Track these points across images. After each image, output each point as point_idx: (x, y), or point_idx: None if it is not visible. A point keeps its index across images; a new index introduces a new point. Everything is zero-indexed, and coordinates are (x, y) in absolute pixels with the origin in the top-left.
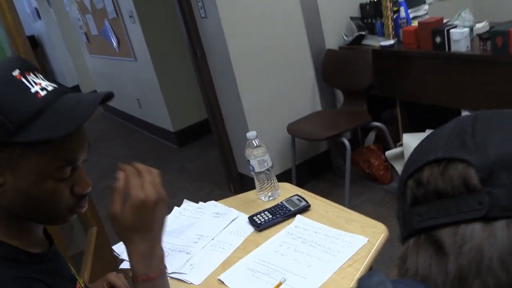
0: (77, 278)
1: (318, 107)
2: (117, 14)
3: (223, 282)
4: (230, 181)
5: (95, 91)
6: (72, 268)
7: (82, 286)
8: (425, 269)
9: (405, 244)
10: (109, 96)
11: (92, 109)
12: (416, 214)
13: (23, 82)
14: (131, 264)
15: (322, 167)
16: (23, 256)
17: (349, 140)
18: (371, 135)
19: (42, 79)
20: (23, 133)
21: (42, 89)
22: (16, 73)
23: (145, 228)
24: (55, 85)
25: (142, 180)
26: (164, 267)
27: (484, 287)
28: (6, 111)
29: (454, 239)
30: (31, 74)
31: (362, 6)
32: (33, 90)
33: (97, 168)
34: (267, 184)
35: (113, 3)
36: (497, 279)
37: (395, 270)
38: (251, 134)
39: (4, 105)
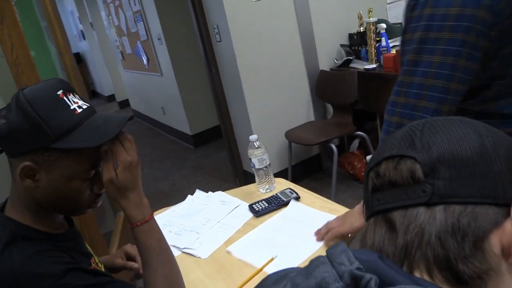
0: (93, 255)
1: (312, 118)
2: (147, 37)
3: (229, 253)
4: (236, 176)
5: (127, 100)
6: (88, 247)
7: (97, 261)
8: (380, 242)
9: (367, 222)
10: (131, 118)
11: (118, 129)
12: (375, 199)
13: (65, 100)
14: (129, 216)
15: (314, 168)
16: (45, 236)
17: (336, 146)
18: (355, 142)
19: (79, 99)
20: (61, 142)
21: (79, 107)
22: (59, 92)
23: (134, 184)
24: (88, 105)
25: (125, 147)
26: (151, 211)
27: (424, 257)
28: (50, 122)
29: (403, 219)
30: (71, 94)
31: (350, 35)
32: (72, 107)
33: None
34: (265, 178)
35: (145, 28)
36: (434, 251)
37: (358, 243)
38: (253, 137)
39: (49, 117)
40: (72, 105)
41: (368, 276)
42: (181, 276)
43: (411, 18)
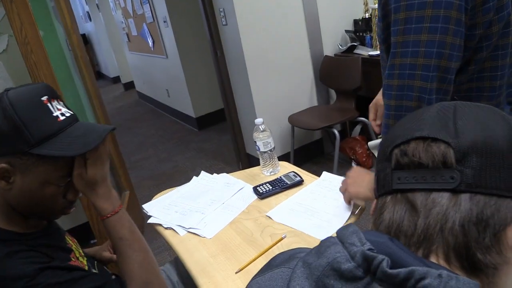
0: (73, 249)
1: (315, 103)
2: (153, 19)
3: (270, 217)
4: (239, 160)
5: (133, 82)
6: (69, 241)
7: (77, 255)
8: (400, 220)
9: (381, 199)
10: (113, 130)
11: (99, 140)
12: (396, 177)
13: (48, 106)
14: (99, 209)
15: (316, 152)
16: (17, 236)
17: (339, 131)
18: (357, 128)
19: (63, 106)
20: (40, 148)
21: (62, 114)
22: (44, 98)
23: (102, 177)
24: (72, 112)
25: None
26: (120, 202)
27: (444, 242)
28: (31, 127)
29: (426, 202)
30: (55, 101)
31: (355, 22)
32: (54, 114)
33: (130, 144)
34: (269, 162)
35: (151, 10)
36: (456, 239)
37: (371, 224)
38: (258, 120)
39: (31, 122)
40: (55, 112)
41: (380, 257)
42: (156, 263)
43: (408, 19)
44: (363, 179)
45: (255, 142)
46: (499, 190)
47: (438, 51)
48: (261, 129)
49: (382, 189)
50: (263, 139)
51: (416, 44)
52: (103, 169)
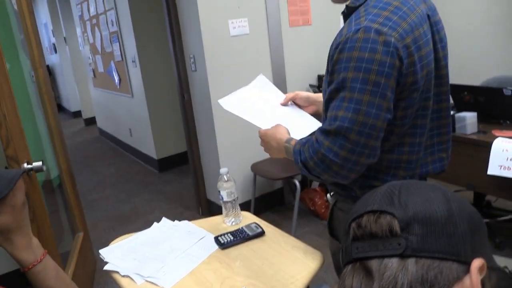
0: None
1: None
2: (122, 58)
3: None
4: (199, 205)
5: (94, 117)
6: None
7: None
8: (357, 287)
9: (345, 268)
10: (23, 173)
11: (8, 189)
12: (354, 247)
13: None
14: (19, 260)
15: (276, 201)
16: None
17: (299, 181)
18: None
19: None
20: None
21: None
22: None
23: (18, 225)
24: None
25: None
26: (43, 250)
27: None
28: None
29: (379, 267)
30: None
31: (319, 77)
32: None
33: (88, 182)
34: (232, 211)
35: (120, 49)
36: None
37: (335, 286)
38: (223, 170)
39: None
40: None
41: None
42: None
43: (339, 60)
44: (271, 146)
45: (219, 191)
46: (442, 254)
47: (376, 112)
48: (226, 179)
49: (345, 258)
50: (227, 189)
51: (360, 102)
52: (18, 217)
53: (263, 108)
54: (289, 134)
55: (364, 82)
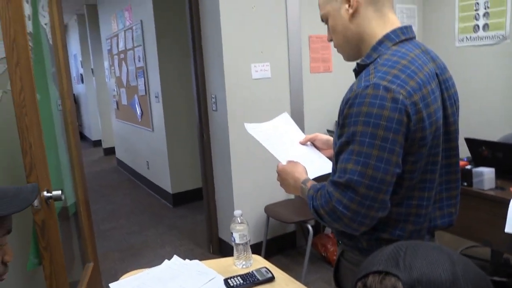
0: None
1: (292, 196)
2: (146, 93)
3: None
4: (211, 243)
5: (113, 148)
6: None
7: None
8: None
9: None
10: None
11: (35, 196)
12: None
13: None
14: None
15: (288, 245)
16: None
17: (312, 226)
18: None
19: None
20: None
21: None
22: None
23: None
24: None
25: None
26: None
27: None
28: None
29: None
30: None
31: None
32: None
33: (102, 212)
34: (243, 254)
35: (144, 84)
36: None
37: None
38: (237, 212)
39: None
40: None
41: None
42: None
43: (349, 114)
44: (288, 183)
45: (232, 233)
46: None
47: (385, 167)
48: (239, 221)
49: None
50: (240, 231)
51: (369, 156)
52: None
53: (283, 142)
54: (306, 173)
55: (373, 136)
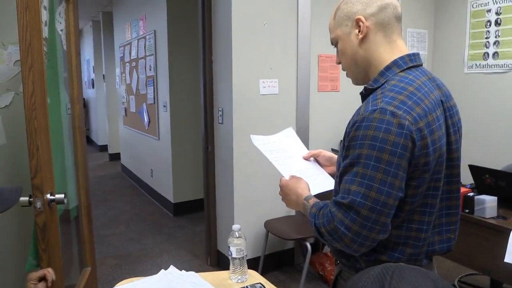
0: None
1: (293, 212)
2: (154, 102)
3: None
4: (209, 254)
5: (119, 153)
6: None
7: None
8: None
9: None
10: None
11: (12, 203)
12: None
13: None
14: None
15: (286, 261)
16: None
17: (311, 244)
18: None
19: None
20: None
21: None
22: None
23: None
24: None
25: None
26: None
27: None
28: None
29: None
30: None
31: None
32: None
33: (103, 217)
34: (239, 269)
35: (154, 93)
36: None
37: None
38: (236, 226)
39: None
40: None
41: None
42: None
43: (355, 137)
44: (290, 198)
45: (229, 246)
46: None
47: (388, 191)
48: (237, 235)
49: None
50: (237, 246)
51: (372, 179)
52: None
53: (286, 156)
54: (309, 190)
55: (377, 160)
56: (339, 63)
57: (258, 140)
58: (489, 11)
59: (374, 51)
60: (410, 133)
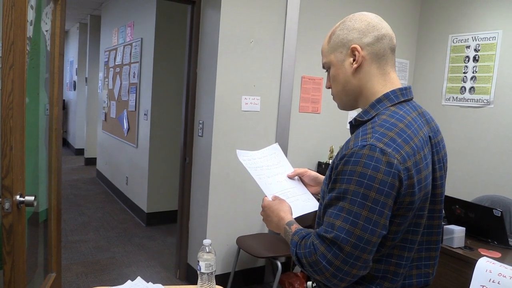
0: None
1: (266, 230)
2: (135, 109)
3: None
4: (178, 267)
5: (95, 159)
6: None
7: None
8: None
9: None
10: None
11: None
12: None
13: None
14: None
15: (256, 279)
16: None
17: (282, 263)
18: None
19: None
20: None
21: None
22: None
23: None
24: None
25: None
26: None
27: None
28: None
29: None
30: None
31: (319, 164)
32: None
33: (73, 222)
34: (207, 284)
35: (135, 101)
36: None
37: None
38: (207, 241)
39: None
40: None
41: None
42: None
43: (343, 171)
44: (271, 220)
45: (198, 261)
46: None
47: (373, 229)
48: (207, 250)
49: None
50: (207, 261)
51: (358, 216)
52: None
53: (270, 174)
54: (291, 213)
55: (364, 197)
56: (329, 87)
57: (244, 156)
58: (468, 47)
59: (367, 82)
60: (398, 172)
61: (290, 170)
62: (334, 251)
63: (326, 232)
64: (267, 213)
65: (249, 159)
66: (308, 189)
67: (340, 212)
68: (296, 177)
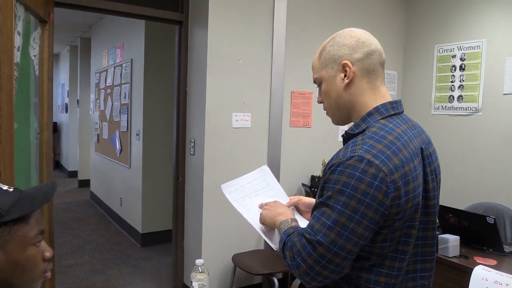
0: None
1: (261, 246)
2: (127, 129)
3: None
4: None
5: (89, 180)
6: None
7: None
8: None
9: None
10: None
11: (53, 191)
12: None
13: None
14: None
15: None
16: None
17: (279, 279)
18: (297, 280)
19: (3, 184)
20: (10, 214)
21: (9, 187)
22: None
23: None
24: (12, 186)
25: None
26: None
27: None
28: None
29: None
30: None
31: (312, 177)
32: (4, 188)
33: (67, 246)
34: None
35: (127, 121)
36: None
37: None
38: (199, 261)
39: None
40: (4, 187)
41: None
42: None
43: (330, 180)
44: (272, 218)
45: (191, 281)
46: None
47: (348, 236)
48: (200, 270)
49: None
50: (200, 281)
51: (336, 222)
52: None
53: (259, 201)
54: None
55: (344, 206)
56: (321, 102)
57: (228, 188)
58: (454, 56)
59: (359, 96)
60: (382, 184)
61: (280, 191)
62: (308, 250)
63: (306, 232)
64: (271, 205)
65: (236, 189)
66: (304, 216)
67: (321, 216)
68: (292, 207)
